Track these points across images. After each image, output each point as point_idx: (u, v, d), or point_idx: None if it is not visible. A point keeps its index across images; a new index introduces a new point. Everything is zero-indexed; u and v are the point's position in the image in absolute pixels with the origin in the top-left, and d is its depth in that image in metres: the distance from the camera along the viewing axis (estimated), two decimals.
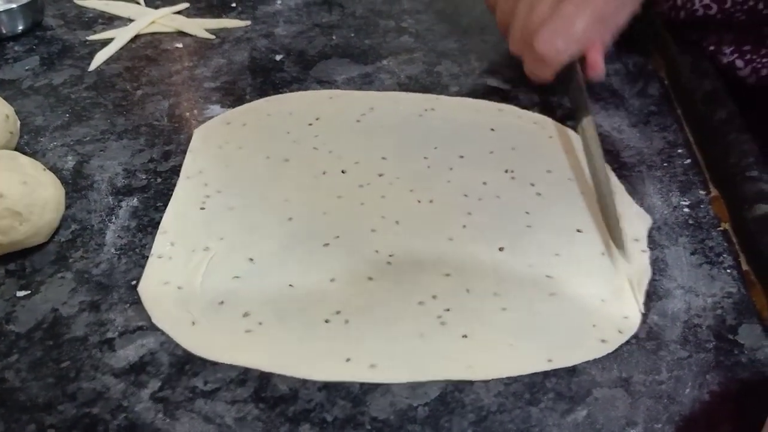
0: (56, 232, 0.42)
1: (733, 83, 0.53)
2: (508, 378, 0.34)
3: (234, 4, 0.64)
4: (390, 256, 0.40)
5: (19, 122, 0.48)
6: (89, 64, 0.56)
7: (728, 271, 0.39)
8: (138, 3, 0.64)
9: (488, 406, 0.33)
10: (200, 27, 0.61)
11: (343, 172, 0.46)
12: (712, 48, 0.53)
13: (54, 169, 0.46)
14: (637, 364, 0.35)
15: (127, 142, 0.49)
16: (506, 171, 0.45)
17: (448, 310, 0.37)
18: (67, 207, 0.43)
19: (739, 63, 0.53)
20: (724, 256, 0.40)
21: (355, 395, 0.33)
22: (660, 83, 0.54)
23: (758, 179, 0.41)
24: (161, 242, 0.41)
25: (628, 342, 0.36)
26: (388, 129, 0.49)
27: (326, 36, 0.60)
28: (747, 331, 0.36)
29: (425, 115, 0.50)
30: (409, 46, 0.58)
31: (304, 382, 0.34)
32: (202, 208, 0.43)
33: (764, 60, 0.52)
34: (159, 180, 0.45)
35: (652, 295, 0.38)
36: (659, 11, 0.56)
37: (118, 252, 0.41)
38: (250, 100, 0.52)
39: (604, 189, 0.42)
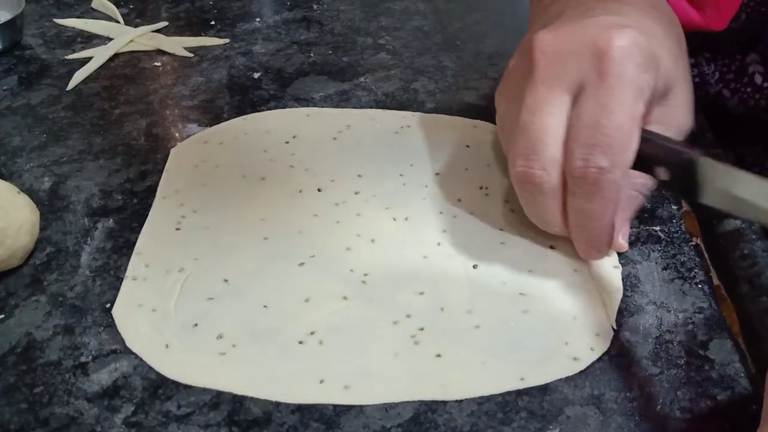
0: (31, 254, 0.42)
1: (723, 115, 0.53)
2: (481, 397, 0.34)
3: (213, 22, 0.65)
4: (365, 275, 0.40)
5: None
6: (67, 84, 0.56)
7: (699, 286, 0.40)
8: (117, 22, 0.65)
9: (461, 426, 0.33)
10: (179, 45, 0.61)
11: (319, 190, 0.46)
12: (697, 80, 0.53)
13: (30, 191, 0.46)
14: (609, 381, 0.35)
15: (104, 162, 0.49)
16: (481, 188, 0.46)
17: (422, 329, 0.37)
18: (43, 229, 0.43)
19: (726, 93, 0.53)
20: (696, 271, 0.41)
21: (329, 417, 0.34)
22: None
23: None
24: (136, 264, 0.41)
25: (599, 359, 0.36)
26: (364, 146, 0.49)
27: (304, 53, 0.60)
28: (717, 346, 0.37)
29: (401, 133, 0.51)
30: (386, 63, 0.58)
31: (278, 405, 0.34)
32: (178, 229, 0.43)
33: (749, 90, 0.52)
34: (135, 200, 0.46)
35: (624, 312, 0.38)
36: None
37: (93, 274, 0.41)
38: (227, 119, 0.53)
39: None
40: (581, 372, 0.35)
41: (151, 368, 0.36)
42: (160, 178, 0.47)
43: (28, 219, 0.41)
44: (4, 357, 0.36)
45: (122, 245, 0.42)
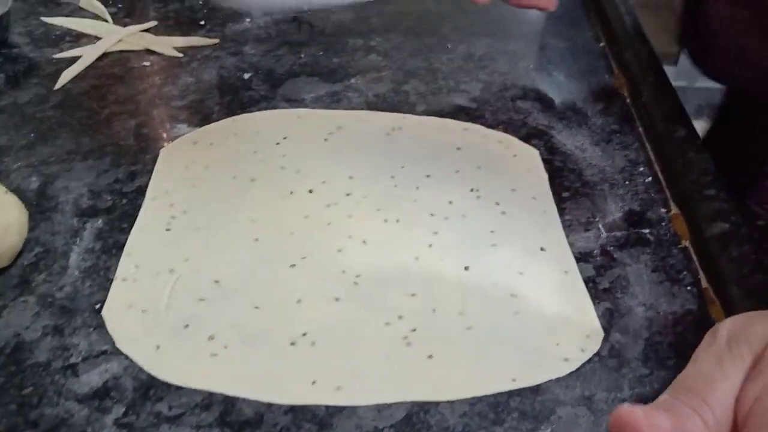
0: (19, 255, 0.41)
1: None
2: (473, 398, 0.34)
3: (203, 22, 0.64)
4: (357, 276, 0.40)
5: None
6: (55, 83, 0.56)
7: (688, 288, 0.40)
8: (106, 21, 0.64)
9: (453, 426, 0.33)
10: (168, 45, 0.61)
11: (310, 191, 0.46)
12: None
13: (18, 191, 0.45)
14: (600, 382, 0.35)
15: (92, 162, 0.48)
16: (472, 190, 0.46)
17: (414, 330, 0.37)
18: (31, 229, 0.42)
19: None
20: (685, 273, 0.41)
21: (321, 418, 0.34)
22: (622, 102, 0.55)
23: (716, 197, 0.42)
24: (126, 265, 0.40)
25: (590, 360, 0.36)
26: (355, 148, 0.49)
27: (295, 54, 0.60)
28: None
29: (393, 135, 0.51)
30: (377, 65, 0.58)
31: (270, 406, 0.34)
32: (168, 230, 0.43)
33: None
34: (124, 201, 0.45)
35: (614, 313, 0.39)
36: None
37: (82, 275, 0.40)
38: (217, 119, 0.52)
39: None
40: (572, 373, 0.36)
41: (141, 369, 0.35)
42: (149, 178, 0.47)
43: (17, 219, 0.40)
44: None
45: (111, 246, 0.42)
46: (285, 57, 0.60)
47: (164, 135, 0.51)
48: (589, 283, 0.40)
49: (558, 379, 0.35)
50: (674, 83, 0.53)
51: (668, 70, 0.54)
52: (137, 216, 0.44)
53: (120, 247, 0.42)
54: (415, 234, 0.43)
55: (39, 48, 0.61)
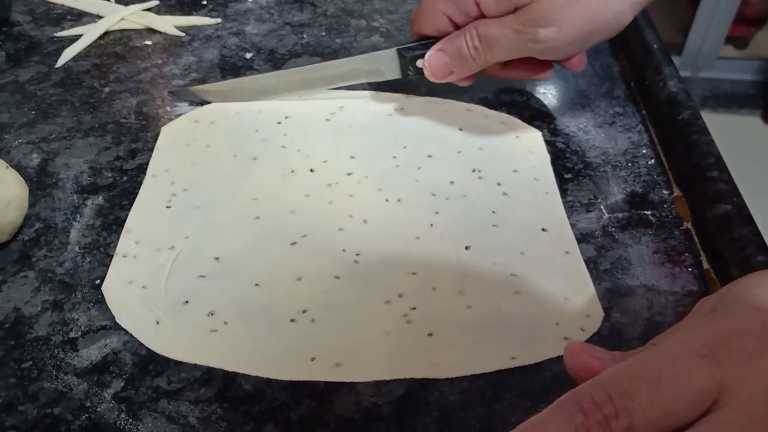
0: (19, 230, 0.41)
1: None
2: (473, 375, 0.34)
3: (204, 2, 0.64)
4: (357, 255, 0.40)
5: None
6: (57, 61, 0.56)
7: (689, 269, 0.40)
8: (107, 0, 0.64)
9: (452, 403, 0.33)
10: (170, 24, 0.60)
11: (311, 170, 0.46)
12: None
13: (19, 167, 0.45)
14: None
15: (93, 139, 0.48)
16: (473, 170, 0.46)
17: (414, 308, 0.37)
18: (31, 205, 0.42)
19: None
20: (686, 254, 0.41)
21: (320, 394, 0.34)
22: (626, 85, 0.54)
23: (718, 179, 0.42)
24: (126, 241, 0.40)
25: (590, 339, 0.36)
26: (357, 128, 0.49)
27: (297, 35, 0.60)
28: None
29: (394, 115, 0.50)
30: (379, 46, 0.58)
31: (269, 382, 0.34)
32: (168, 207, 0.43)
33: None
34: (125, 178, 0.45)
35: (615, 293, 0.39)
36: None
37: (82, 251, 0.40)
38: None
39: None
40: None
41: (141, 344, 0.35)
42: (150, 156, 0.47)
43: (17, 194, 0.40)
44: None
45: (112, 222, 0.42)
46: (287, 37, 0.59)
47: (165, 113, 0.51)
48: (590, 263, 0.40)
49: (557, 358, 0.35)
50: None
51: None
52: (138, 193, 0.44)
53: (120, 223, 0.42)
54: (416, 213, 0.43)
55: (40, 26, 0.60)
